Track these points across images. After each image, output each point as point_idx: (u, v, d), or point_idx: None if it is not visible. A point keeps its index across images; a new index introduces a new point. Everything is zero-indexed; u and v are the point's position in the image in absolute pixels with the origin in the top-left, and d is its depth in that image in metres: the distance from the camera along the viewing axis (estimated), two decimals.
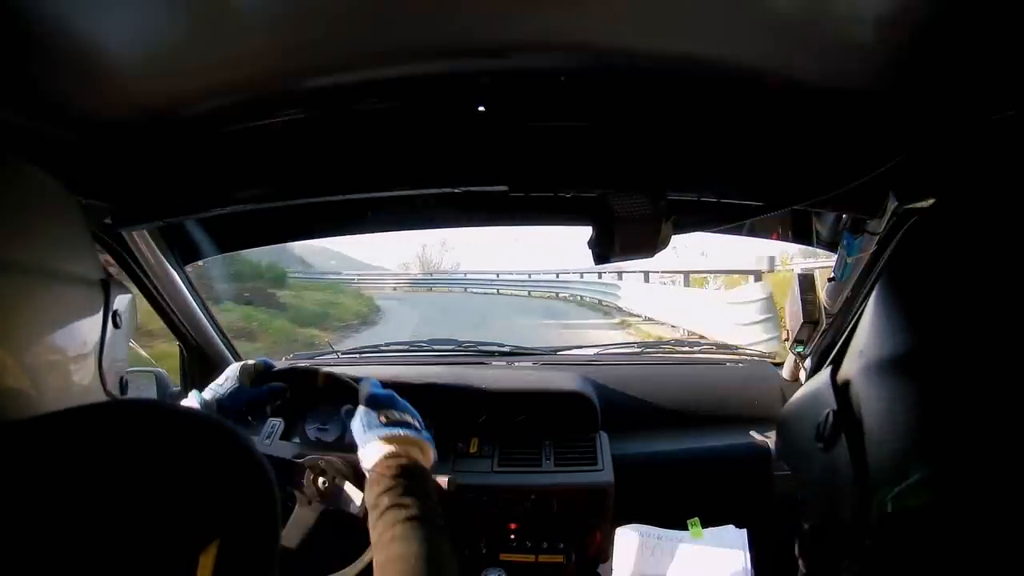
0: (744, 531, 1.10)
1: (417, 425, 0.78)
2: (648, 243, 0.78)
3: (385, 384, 0.90)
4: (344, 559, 0.89)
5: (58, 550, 0.31)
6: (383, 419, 0.76)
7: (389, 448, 0.73)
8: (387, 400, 0.80)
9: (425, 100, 0.73)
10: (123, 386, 0.70)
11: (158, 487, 0.35)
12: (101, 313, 0.64)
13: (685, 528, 1.13)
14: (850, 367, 0.75)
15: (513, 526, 1.19)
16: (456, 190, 0.86)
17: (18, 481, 0.33)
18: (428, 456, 0.76)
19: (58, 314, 0.57)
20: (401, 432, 0.75)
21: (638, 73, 0.65)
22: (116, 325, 0.67)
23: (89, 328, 0.61)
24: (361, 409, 0.79)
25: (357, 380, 0.87)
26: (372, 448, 0.74)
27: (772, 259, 8.14)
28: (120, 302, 0.68)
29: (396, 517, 0.65)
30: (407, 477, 0.71)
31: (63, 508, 0.32)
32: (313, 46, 0.59)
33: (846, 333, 0.98)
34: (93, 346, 0.62)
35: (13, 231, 0.51)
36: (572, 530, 1.19)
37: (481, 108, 0.73)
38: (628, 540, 1.13)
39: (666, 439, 1.29)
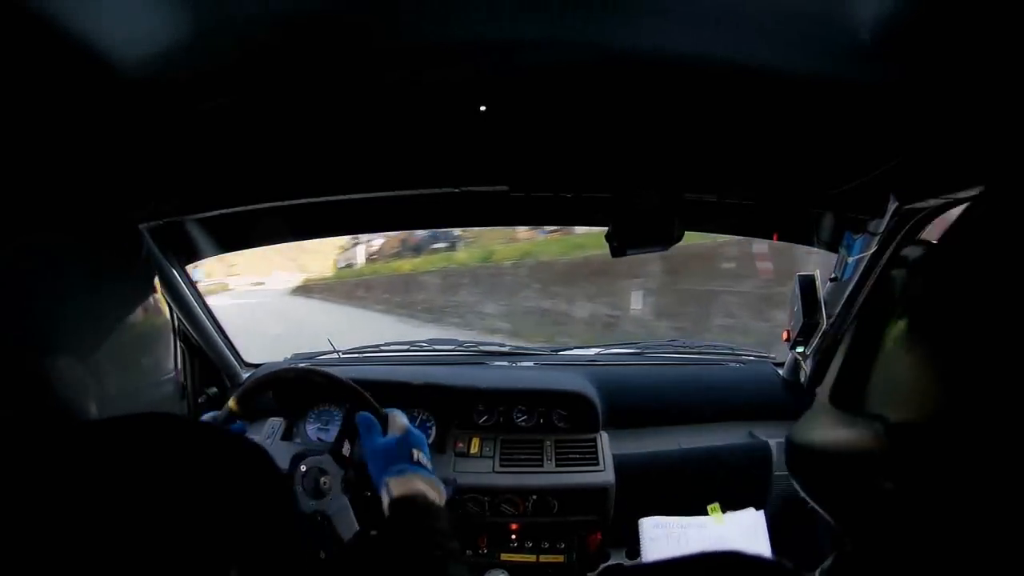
0: (762, 513, 1.11)
1: (431, 470, 0.84)
2: (662, 238, 0.81)
3: (386, 384, 0.91)
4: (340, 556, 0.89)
5: (86, 561, 0.31)
6: (415, 457, 0.82)
7: (421, 486, 0.78)
8: (420, 442, 0.85)
9: (426, 100, 0.73)
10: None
11: (189, 507, 0.34)
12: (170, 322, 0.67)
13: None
14: None
15: (514, 526, 1.20)
16: (456, 190, 0.86)
17: (49, 494, 0.33)
18: (442, 500, 0.81)
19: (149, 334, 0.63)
20: (430, 476, 0.81)
21: (639, 73, 0.64)
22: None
23: (168, 340, 0.68)
24: (398, 438, 0.85)
25: (385, 411, 0.91)
26: (404, 481, 0.79)
27: None
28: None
29: (431, 552, 0.69)
30: (437, 516, 0.75)
31: (97, 518, 0.32)
32: (315, 46, 0.59)
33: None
34: (172, 354, 0.68)
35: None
36: (573, 530, 1.19)
37: (482, 108, 0.73)
38: (653, 531, 1.14)
39: (667, 439, 1.29)
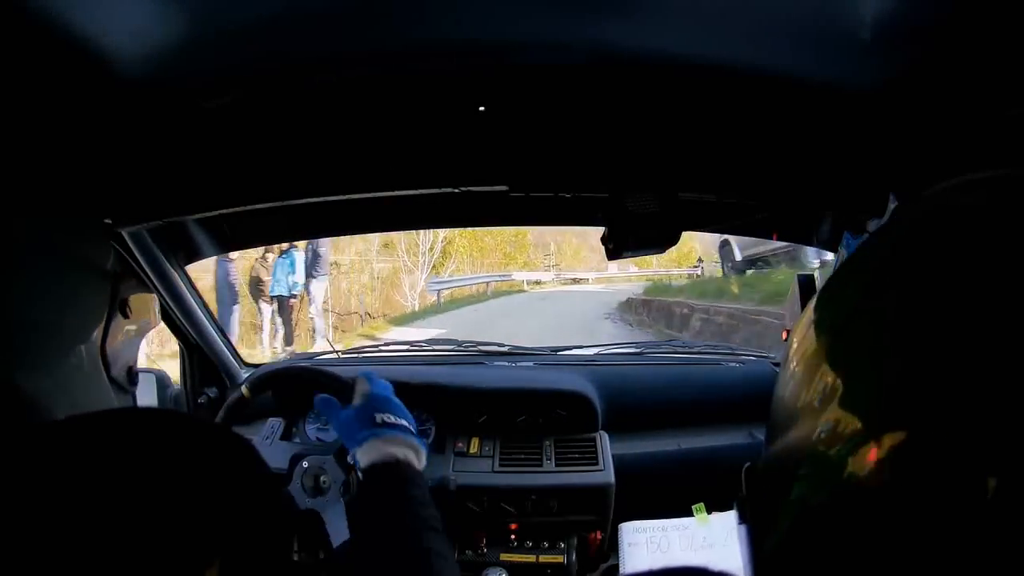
0: None
1: (412, 429, 0.77)
2: (659, 240, 0.80)
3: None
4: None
5: (65, 558, 0.31)
6: (379, 420, 0.75)
7: (390, 448, 0.72)
8: (384, 402, 0.78)
9: (425, 100, 0.73)
10: (132, 376, 0.68)
11: (172, 499, 0.34)
12: (107, 300, 0.61)
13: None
14: None
15: (514, 526, 1.20)
16: (456, 190, 0.86)
17: (29, 487, 0.33)
18: (421, 460, 0.75)
19: (60, 297, 0.56)
20: (399, 435, 0.74)
21: (640, 74, 0.65)
22: (125, 315, 0.66)
23: (92, 315, 0.60)
24: (357, 405, 0.78)
25: (352, 378, 0.85)
26: (370, 448, 0.73)
27: None
28: (136, 296, 0.67)
29: (404, 523, 0.64)
30: (411, 481, 0.70)
31: (73, 515, 0.32)
32: (315, 45, 0.59)
33: None
34: (96, 332, 0.60)
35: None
36: (573, 530, 1.19)
37: (481, 108, 0.73)
38: (633, 536, 1.13)
39: (666, 439, 1.29)
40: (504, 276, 16.01)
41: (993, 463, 0.21)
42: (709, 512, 1.13)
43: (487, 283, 15.09)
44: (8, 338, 0.49)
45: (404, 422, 0.76)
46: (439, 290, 13.15)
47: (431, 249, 14.83)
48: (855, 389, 0.26)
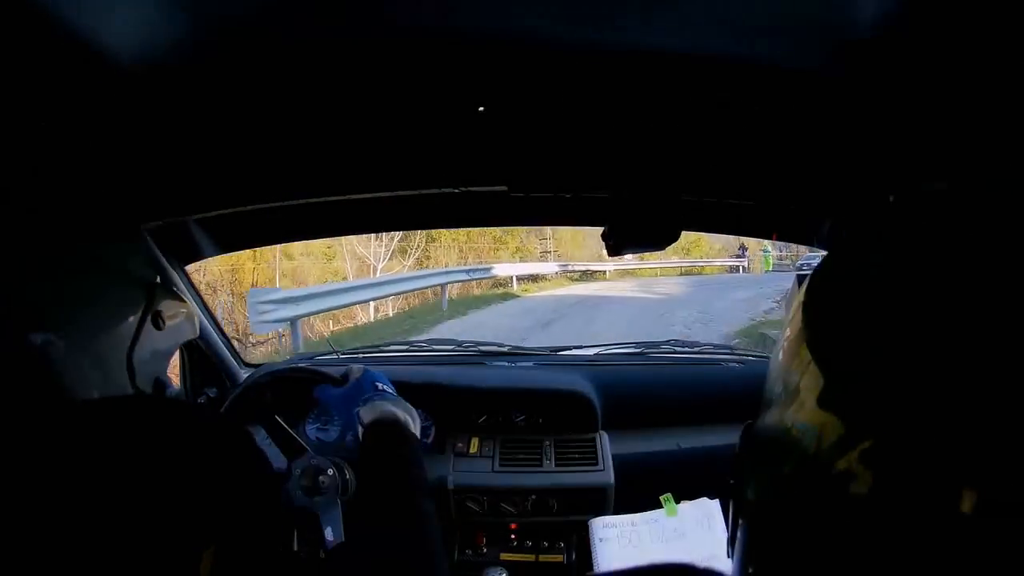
0: (717, 501, 1.10)
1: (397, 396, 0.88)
2: (659, 238, 0.81)
3: None
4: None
5: (68, 538, 0.31)
6: (380, 387, 0.86)
7: (391, 407, 0.81)
8: (381, 377, 0.90)
9: (425, 100, 0.73)
10: (158, 386, 0.73)
11: (171, 484, 0.35)
12: (140, 312, 0.65)
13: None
14: None
15: (513, 526, 1.20)
16: (456, 190, 0.86)
17: (34, 470, 0.33)
18: (416, 426, 0.84)
19: (97, 306, 0.60)
20: (399, 399, 0.85)
21: (639, 73, 0.65)
22: (157, 327, 0.70)
23: (125, 324, 0.64)
24: (358, 378, 0.89)
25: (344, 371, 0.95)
26: (374, 407, 0.81)
27: None
28: (172, 307, 0.69)
29: (398, 482, 0.70)
30: (406, 441, 0.77)
31: (75, 496, 0.32)
32: (314, 45, 0.59)
33: None
34: (125, 342, 0.64)
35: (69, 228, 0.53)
36: (573, 530, 1.19)
37: (481, 108, 0.74)
38: (603, 532, 1.13)
39: (666, 439, 1.29)
40: (477, 271, 9.18)
41: (971, 476, 0.21)
42: (677, 502, 1.13)
43: (442, 286, 8.40)
44: (42, 332, 0.50)
45: (394, 392, 0.88)
46: (280, 322, 5.60)
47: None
48: (834, 387, 0.25)
